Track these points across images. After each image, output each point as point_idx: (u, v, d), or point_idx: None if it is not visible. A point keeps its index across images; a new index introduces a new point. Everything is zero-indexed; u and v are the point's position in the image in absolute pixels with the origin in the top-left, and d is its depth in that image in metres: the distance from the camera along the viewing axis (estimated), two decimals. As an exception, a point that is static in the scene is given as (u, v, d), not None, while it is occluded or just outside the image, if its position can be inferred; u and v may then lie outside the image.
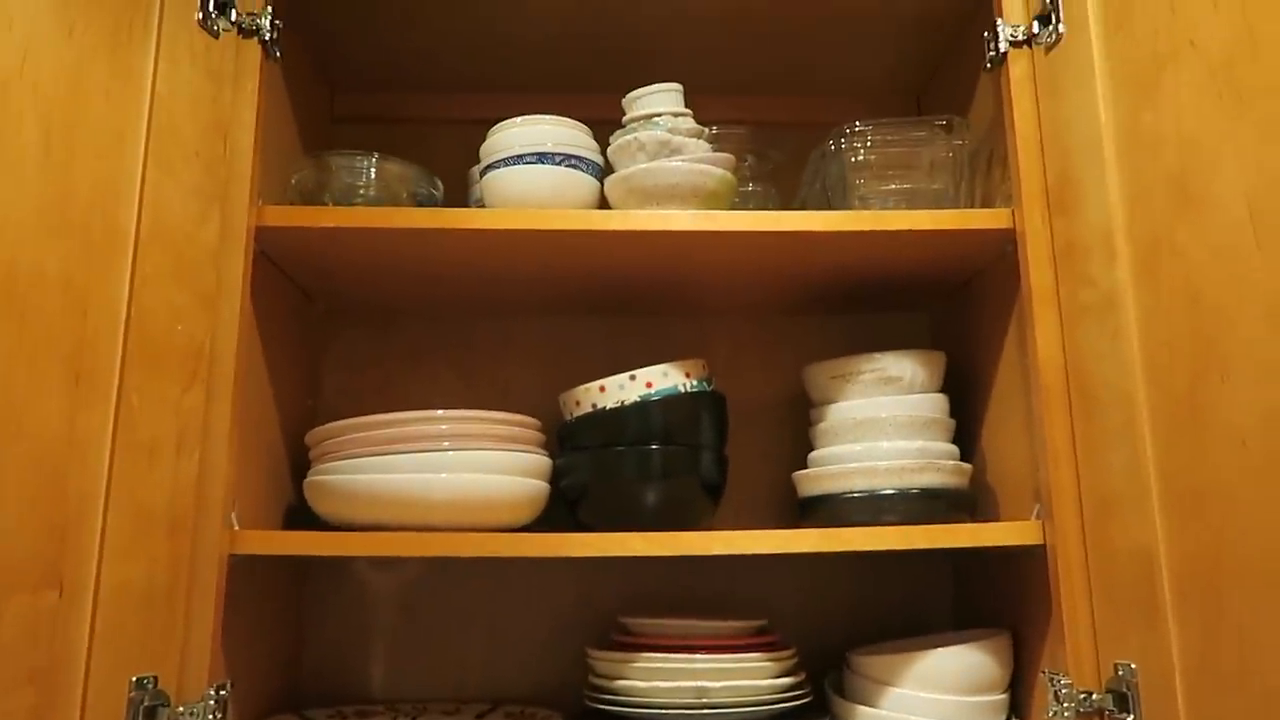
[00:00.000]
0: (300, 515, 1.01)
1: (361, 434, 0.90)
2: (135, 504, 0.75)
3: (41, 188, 0.68)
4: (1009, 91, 0.93)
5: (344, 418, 0.92)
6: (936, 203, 0.98)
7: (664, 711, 0.87)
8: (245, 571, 0.88)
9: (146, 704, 0.74)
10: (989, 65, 0.96)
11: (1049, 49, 0.90)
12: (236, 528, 0.85)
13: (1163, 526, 0.74)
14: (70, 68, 0.71)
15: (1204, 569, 0.70)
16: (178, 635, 0.78)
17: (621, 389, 0.96)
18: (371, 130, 1.22)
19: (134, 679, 0.73)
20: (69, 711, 0.68)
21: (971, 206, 1.01)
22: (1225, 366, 0.68)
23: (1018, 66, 0.93)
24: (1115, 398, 0.80)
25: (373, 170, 0.98)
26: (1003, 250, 0.96)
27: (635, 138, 0.95)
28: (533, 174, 0.95)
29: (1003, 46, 0.94)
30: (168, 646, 0.77)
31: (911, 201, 0.98)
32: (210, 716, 0.79)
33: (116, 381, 0.75)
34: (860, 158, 0.99)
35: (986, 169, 1.02)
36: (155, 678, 0.75)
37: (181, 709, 0.77)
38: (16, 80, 0.66)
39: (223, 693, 0.81)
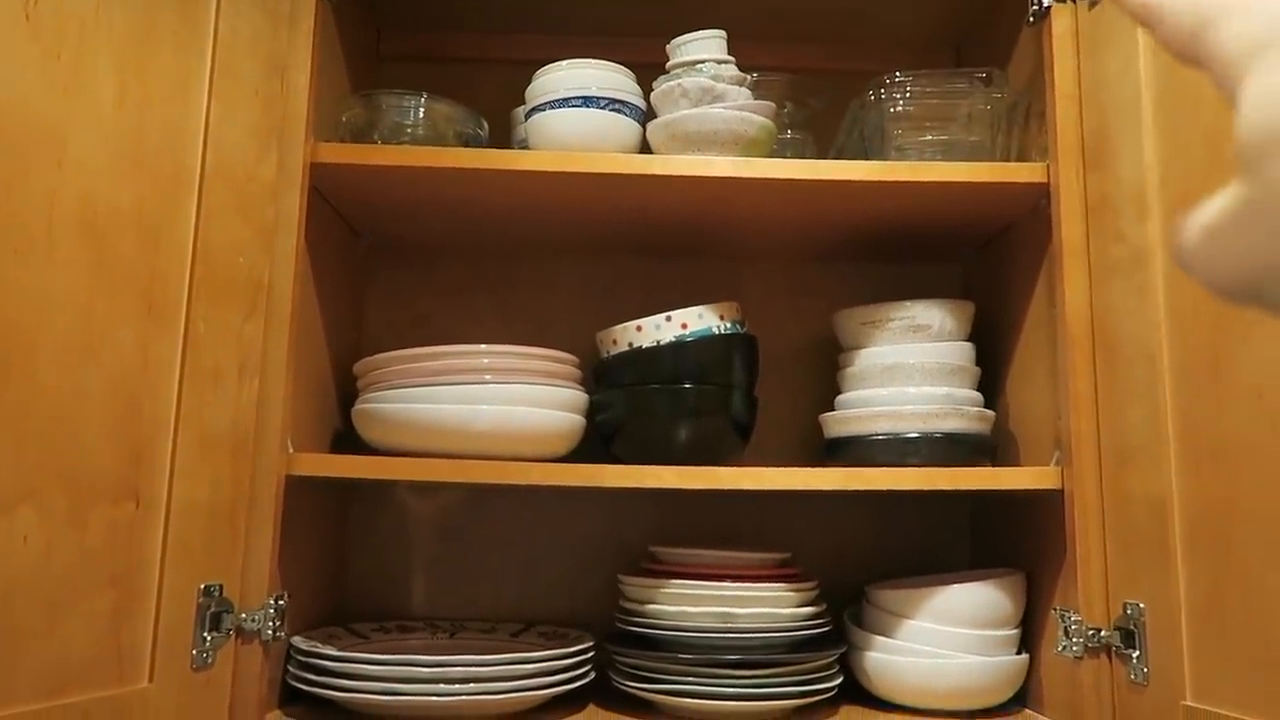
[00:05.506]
0: (346, 442, 1.06)
1: (408, 365, 0.94)
2: (202, 426, 0.80)
3: (117, 128, 0.71)
4: (1050, 47, 0.94)
5: (386, 350, 0.96)
6: (973, 155, 0.99)
7: (691, 634, 0.92)
8: (297, 493, 0.93)
9: (213, 610, 0.80)
10: (1031, 20, 0.97)
11: (1092, 5, 0.91)
12: (291, 450, 0.90)
13: (1178, 476, 0.78)
14: (141, 10, 0.74)
15: (1216, 517, 0.73)
16: (240, 549, 0.84)
17: (658, 329, 0.99)
18: (416, 69, 1.24)
19: (202, 586, 0.79)
20: (146, 613, 0.74)
21: (1008, 160, 1.02)
22: (1247, 325, 0.70)
23: (1060, 22, 0.94)
24: (1139, 352, 0.82)
25: (421, 110, 1.01)
26: (1036, 204, 0.98)
27: (679, 84, 0.97)
28: (577, 117, 0.97)
29: (1046, 1, 0.94)
30: (231, 559, 0.83)
31: (948, 153, 1.00)
32: (270, 623, 0.85)
33: (184, 311, 0.79)
34: (899, 108, 1.00)
35: (1024, 123, 1.03)
36: (221, 586, 0.81)
37: (244, 615, 0.83)
38: (93, 20, 0.69)
39: (280, 603, 0.87)
